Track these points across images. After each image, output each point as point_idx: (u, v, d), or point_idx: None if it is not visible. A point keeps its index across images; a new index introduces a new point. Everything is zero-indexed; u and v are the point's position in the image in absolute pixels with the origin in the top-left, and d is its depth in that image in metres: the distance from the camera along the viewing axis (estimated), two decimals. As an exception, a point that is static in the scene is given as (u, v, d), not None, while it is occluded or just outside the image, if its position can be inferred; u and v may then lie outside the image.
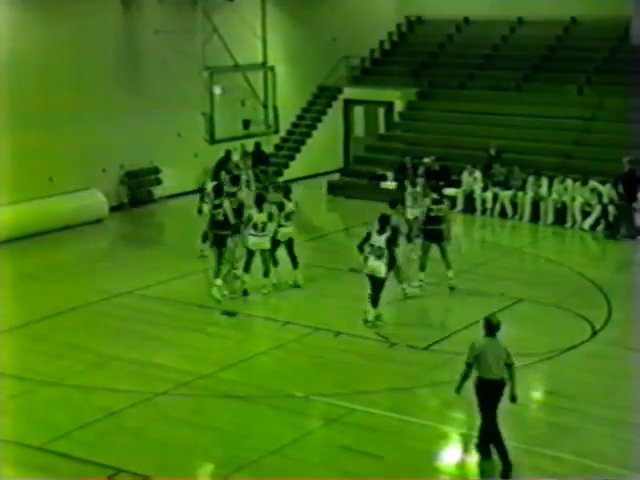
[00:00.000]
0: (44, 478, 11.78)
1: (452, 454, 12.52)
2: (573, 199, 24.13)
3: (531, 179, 25.06)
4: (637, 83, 26.60)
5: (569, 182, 24.36)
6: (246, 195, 23.15)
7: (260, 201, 18.50)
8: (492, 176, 25.80)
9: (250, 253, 18.48)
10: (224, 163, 26.67)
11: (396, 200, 19.18)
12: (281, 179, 28.70)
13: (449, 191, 24.93)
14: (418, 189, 21.35)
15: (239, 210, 19.15)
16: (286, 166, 29.64)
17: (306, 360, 15.53)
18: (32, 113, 23.35)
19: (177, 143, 27.31)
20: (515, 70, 30.03)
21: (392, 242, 16.95)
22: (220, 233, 18.41)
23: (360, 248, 16.77)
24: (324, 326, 16.71)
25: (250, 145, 28.47)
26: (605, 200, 23.58)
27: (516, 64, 30.14)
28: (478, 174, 25.94)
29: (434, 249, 18.77)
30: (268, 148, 29.40)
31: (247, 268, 18.57)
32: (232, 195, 20.01)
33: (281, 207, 18.85)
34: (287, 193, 19.42)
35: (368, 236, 16.70)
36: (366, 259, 16.65)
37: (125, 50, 26.22)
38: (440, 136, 28.64)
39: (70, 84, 24.51)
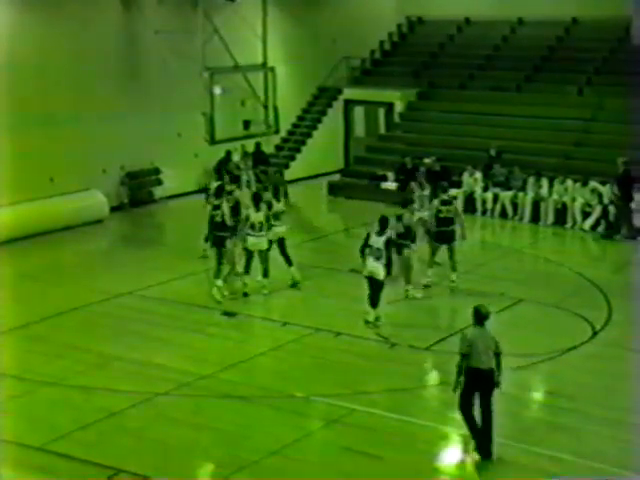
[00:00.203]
0: (44, 478, 11.79)
1: (452, 455, 12.49)
2: (573, 200, 24.13)
3: (531, 180, 25.05)
4: (637, 84, 26.57)
5: (569, 183, 24.35)
6: (244, 194, 23.07)
7: (257, 200, 18.48)
8: (492, 177, 25.79)
9: (249, 253, 18.48)
10: (224, 163, 26.68)
11: (408, 200, 19.17)
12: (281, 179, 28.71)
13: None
14: (426, 192, 21.10)
15: (236, 208, 19.10)
16: (286, 166, 29.57)
17: (306, 361, 15.52)
18: (32, 113, 23.34)
19: (177, 143, 27.30)
20: (515, 70, 30.03)
21: (392, 244, 16.92)
22: (219, 234, 18.42)
23: (362, 251, 16.72)
24: (324, 326, 16.70)
25: (250, 145, 28.43)
26: (605, 201, 23.58)
27: (516, 64, 30.15)
28: (478, 175, 25.93)
29: (442, 249, 18.79)
30: (268, 148, 29.34)
31: (247, 269, 18.57)
32: (230, 194, 19.99)
33: (269, 206, 18.77)
34: (276, 193, 19.39)
35: (367, 237, 16.70)
36: (364, 261, 16.64)
37: (125, 50, 26.21)
38: (440, 136, 28.64)
39: (70, 84, 24.49)
